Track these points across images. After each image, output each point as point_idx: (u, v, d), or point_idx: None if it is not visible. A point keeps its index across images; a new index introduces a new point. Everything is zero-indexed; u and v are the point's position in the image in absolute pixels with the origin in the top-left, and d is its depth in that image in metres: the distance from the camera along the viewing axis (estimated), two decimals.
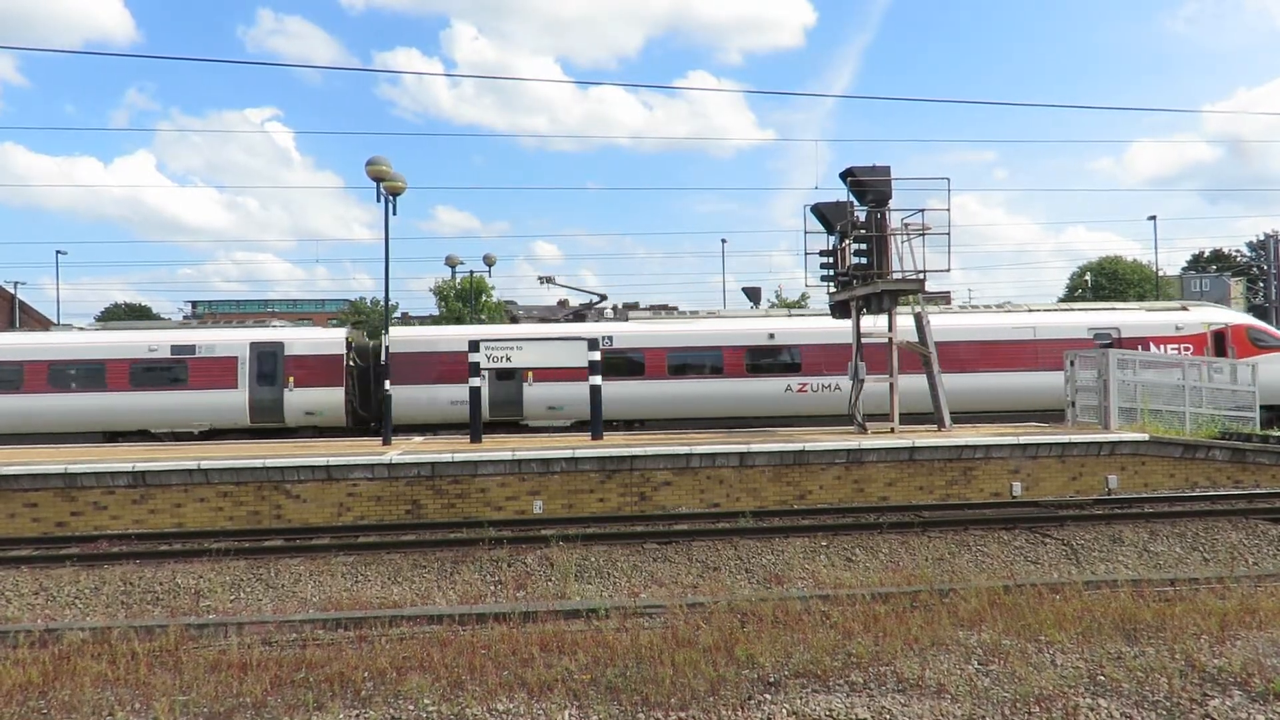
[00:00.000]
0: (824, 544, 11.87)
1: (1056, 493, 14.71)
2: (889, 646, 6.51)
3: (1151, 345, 20.28)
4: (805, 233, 18.46)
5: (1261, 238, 42.69)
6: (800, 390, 20.16)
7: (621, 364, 20.62)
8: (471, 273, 44.04)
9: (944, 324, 20.99)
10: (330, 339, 21.85)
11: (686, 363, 20.81)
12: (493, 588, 10.57)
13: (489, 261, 40.87)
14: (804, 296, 48.75)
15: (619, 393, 20.38)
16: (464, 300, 46.61)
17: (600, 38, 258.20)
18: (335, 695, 5.88)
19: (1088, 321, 21.02)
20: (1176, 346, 20.11)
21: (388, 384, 17.47)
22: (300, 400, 21.00)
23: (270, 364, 21.07)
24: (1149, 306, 23.00)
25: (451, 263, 38.74)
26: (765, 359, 20.61)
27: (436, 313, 51.37)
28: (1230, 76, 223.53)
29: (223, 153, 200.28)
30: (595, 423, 17.00)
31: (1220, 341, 20.40)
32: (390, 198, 17.41)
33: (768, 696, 5.57)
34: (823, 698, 5.51)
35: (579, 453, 13.98)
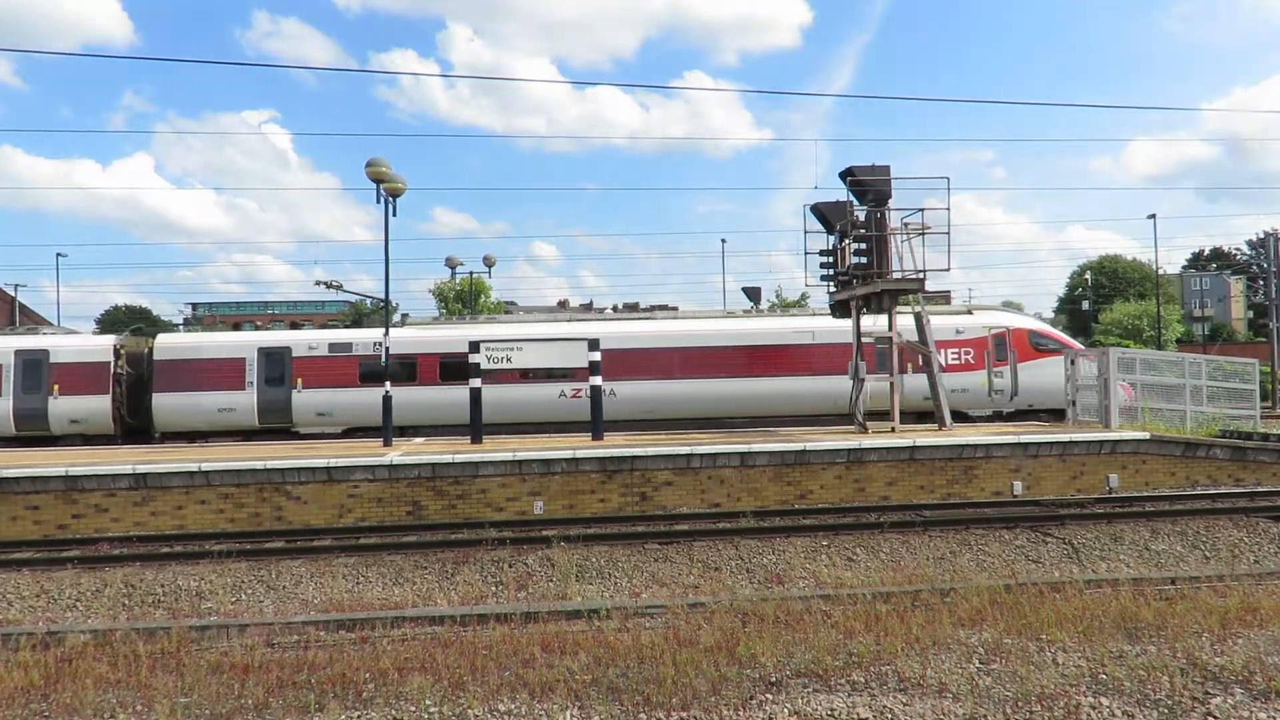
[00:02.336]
0: (825, 544, 11.87)
1: (1058, 492, 14.71)
2: (890, 646, 6.51)
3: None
4: (805, 232, 18.48)
5: (1261, 236, 42.67)
6: (575, 396, 20.04)
7: (395, 369, 20.15)
8: (471, 274, 44.05)
9: (723, 328, 20.82)
10: (97, 346, 21.60)
11: (461, 368, 20.28)
12: (494, 588, 10.57)
13: (489, 262, 40.89)
14: (804, 296, 48.77)
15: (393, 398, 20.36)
16: (464, 301, 46.61)
17: (596, 39, 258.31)
18: (337, 696, 5.88)
19: (868, 326, 20.92)
20: (957, 350, 20.12)
21: (388, 385, 17.47)
22: (65, 408, 20.80)
23: (35, 372, 20.85)
24: (935, 310, 22.86)
25: (452, 264, 38.76)
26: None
27: (437, 314, 51.36)
28: (1227, 75, 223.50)
29: (221, 154, 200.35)
30: (596, 423, 17.00)
31: (1001, 345, 20.35)
32: (390, 199, 17.41)
33: (769, 696, 5.57)
34: (824, 697, 5.51)
35: (580, 453, 13.99)
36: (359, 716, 5.49)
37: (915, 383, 20.09)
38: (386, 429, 17.05)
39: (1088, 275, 73.18)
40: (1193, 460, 15.33)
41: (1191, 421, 17.45)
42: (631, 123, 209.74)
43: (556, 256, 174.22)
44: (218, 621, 8.70)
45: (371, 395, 20.09)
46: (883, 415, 20.05)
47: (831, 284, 18.72)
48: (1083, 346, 21.82)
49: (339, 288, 26.11)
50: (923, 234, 17.41)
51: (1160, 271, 60.31)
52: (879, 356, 20.47)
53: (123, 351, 21.62)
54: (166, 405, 20.49)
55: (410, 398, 20.31)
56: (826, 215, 18.29)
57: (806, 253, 18.51)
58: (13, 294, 47.42)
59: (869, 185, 17.45)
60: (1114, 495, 14.59)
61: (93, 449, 18.73)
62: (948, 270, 18.08)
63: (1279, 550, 11.88)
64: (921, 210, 17.59)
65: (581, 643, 6.92)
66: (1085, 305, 68.17)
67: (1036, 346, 20.26)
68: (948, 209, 17.30)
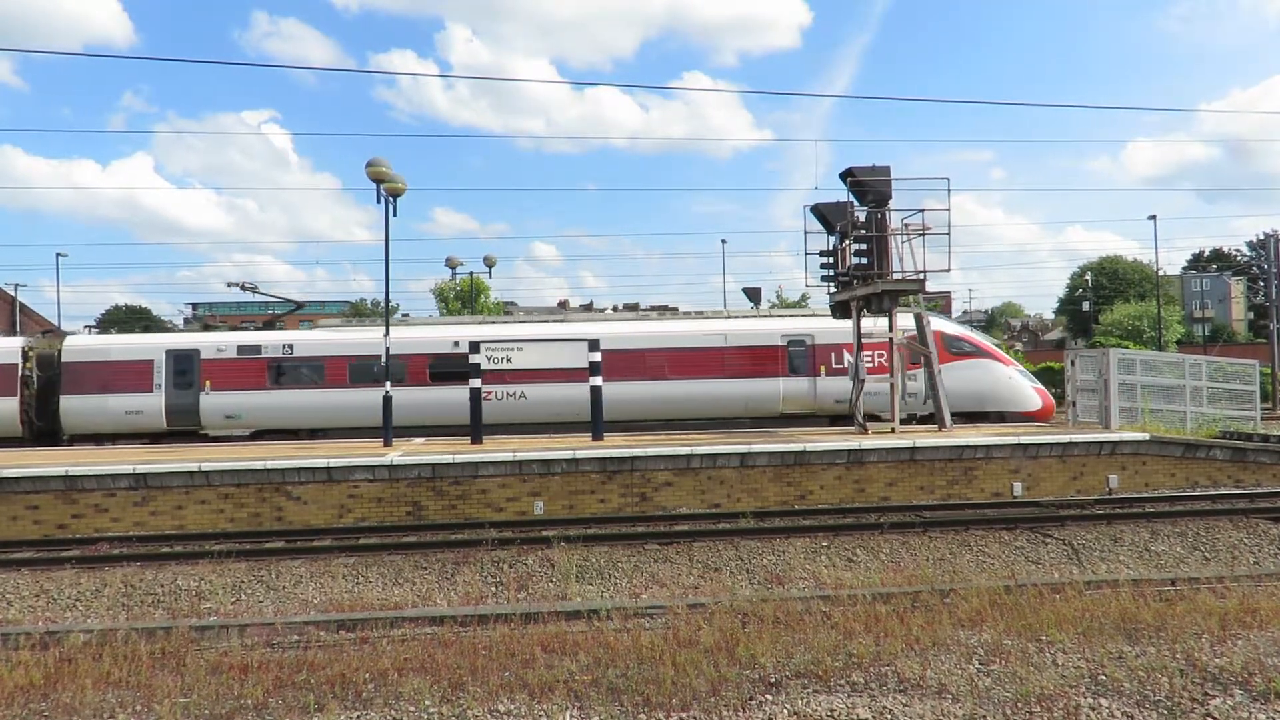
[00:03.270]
0: (825, 544, 11.87)
1: (1057, 492, 14.71)
2: (890, 646, 6.51)
3: (846, 352, 20.00)
4: (805, 233, 18.48)
5: (1261, 237, 42.67)
6: (485, 398, 19.97)
7: (303, 371, 20.36)
8: (471, 274, 44.06)
9: (632, 331, 20.69)
10: (5, 348, 21.37)
11: (371, 370, 20.29)
12: (494, 589, 10.57)
13: (489, 263, 40.87)
14: (804, 296, 48.80)
15: (299, 401, 20.27)
16: (464, 301, 46.62)
17: (595, 40, 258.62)
18: (336, 696, 5.88)
19: (782, 328, 20.69)
20: (871, 353, 19.90)
21: (388, 385, 17.47)
22: None
23: None
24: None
25: (452, 264, 38.76)
26: (449, 367, 20.14)
27: (437, 314, 51.37)
28: (1225, 76, 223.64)
29: (220, 155, 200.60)
30: (596, 423, 16.99)
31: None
32: (390, 199, 17.41)
33: (769, 697, 5.57)
34: (824, 698, 5.51)
35: (580, 453, 13.99)
36: (359, 717, 5.49)
37: (838, 385, 20.02)
38: (386, 429, 17.04)
39: (1088, 276, 73.20)
40: (1192, 461, 15.33)
41: (1191, 422, 17.45)
42: (631, 123, 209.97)
43: (556, 257, 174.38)
44: (218, 621, 8.70)
45: (280, 398, 20.17)
46: (805, 419, 20.15)
47: (832, 284, 18.72)
48: (997, 348, 21.50)
49: (254, 289, 25.91)
50: (923, 235, 17.40)
51: (1160, 272, 60.32)
52: (791, 359, 20.38)
53: (32, 354, 21.44)
54: (73, 408, 20.26)
55: (318, 401, 20.29)
56: (827, 216, 18.29)
57: (807, 253, 18.51)
58: (13, 294, 47.43)
59: (869, 186, 17.45)
60: (1114, 496, 14.59)
61: (93, 449, 18.73)
62: (948, 271, 18.09)
63: (1278, 551, 11.88)
64: (922, 211, 17.59)
65: (581, 643, 6.92)
66: (1085, 306, 68.19)
67: (952, 350, 20.14)
68: (948, 210, 17.31)
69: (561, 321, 22.49)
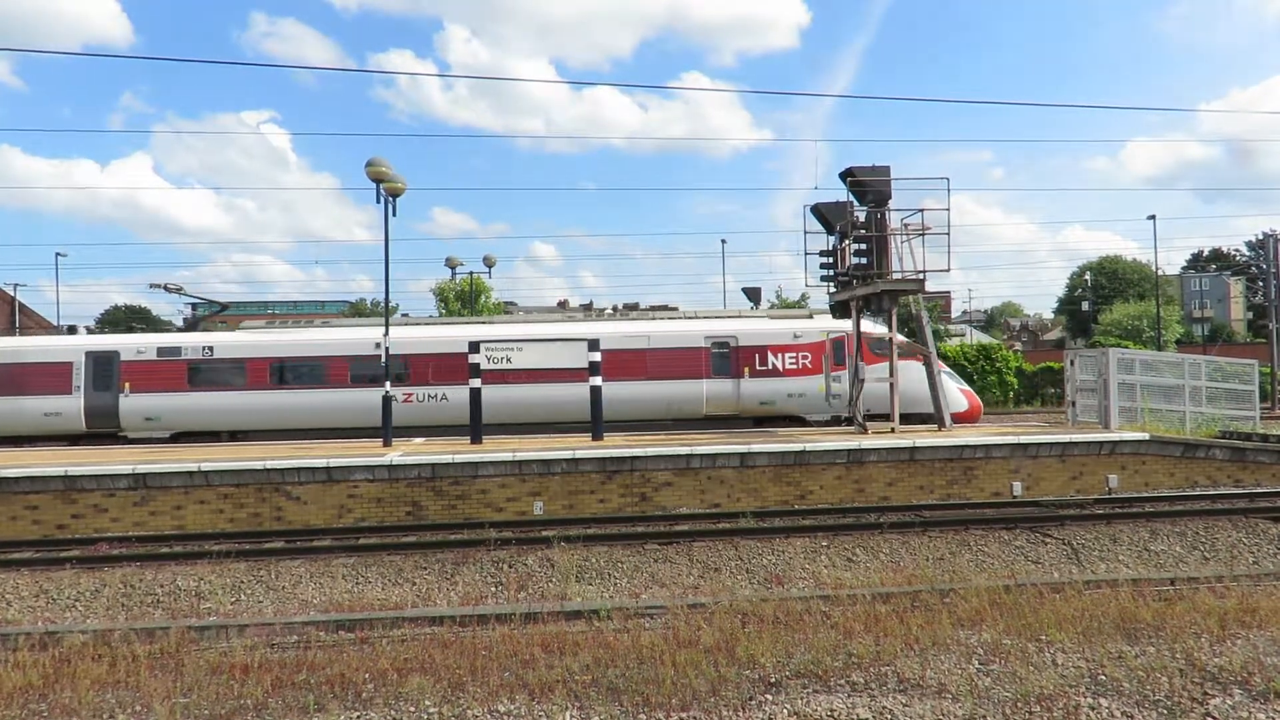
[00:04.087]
0: (825, 544, 11.86)
1: (1057, 492, 14.71)
2: (890, 646, 6.51)
3: (769, 354, 20.01)
4: (805, 233, 18.48)
5: (1260, 237, 42.66)
6: (406, 400, 19.85)
7: (223, 373, 20.23)
8: (471, 274, 44.07)
9: (556, 333, 20.41)
10: None
11: (292, 372, 20.26)
12: (494, 589, 10.57)
13: (489, 263, 40.90)
14: (804, 296, 48.81)
15: (219, 403, 20.16)
16: (464, 301, 46.61)
17: (593, 40, 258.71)
18: (336, 697, 5.87)
19: (705, 330, 20.54)
20: (794, 355, 19.92)
21: (388, 385, 17.47)
22: None
23: None
24: (773, 314, 22.73)
25: (452, 264, 38.77)
26: (372, 369, 20.04)
27: (436, 314, 51.37)
28: (1224, 76, 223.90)
29: (219, 155, 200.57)
30: (596, 423, 16.99)
31: (839, 349, 20.16)
32: (390, 199, 17.40)
33: (769, 697, 5.57)
34: (824, 698, 5.51)
35: (579, 453, 13.98)
36: (359, 717, 5.48)
37: (762, 387, 19.98)
38: (386, 429, 17.04)
39: (1087, 276, 73.22)
40: (1192, 461, 15.33)
41: (1191, 422, 17.45)
42: (630, 123, 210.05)
43: (556, 257, 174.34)
44: (217, 622, 8.69)
45: (200, 400, 20.07)
46: (728, 421, 20.02)
47: (832, 284, 18.72)
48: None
49: (179, 291, 25.81)
50: (923, 234, 17.40)
51: (1160, 272, 60.33)
52: (715, 361, 20.19)
53: None
54: None
55: (239, 403, 20.20)
56: (826, 216, 18.29)
57: (806, 253, 18.51)
58: (12, 294, 47.40)
59: (869, 186, 17.44)
60: (1113, 496, 14.59)
61: (93, 449, 18.71)
62: (948, 271, 18.09)
63: (1278, 551, 11.88)
64: (921, 211, 17.59)
65: (581, 643, 6.91)
66: (1085, 306, 68.21)
67: (876, 351, 20.11)
68: (947, 210, 17.30)
69: (486, 324, 22.42)
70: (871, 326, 21.15)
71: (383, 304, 21.01)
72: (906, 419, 20.09)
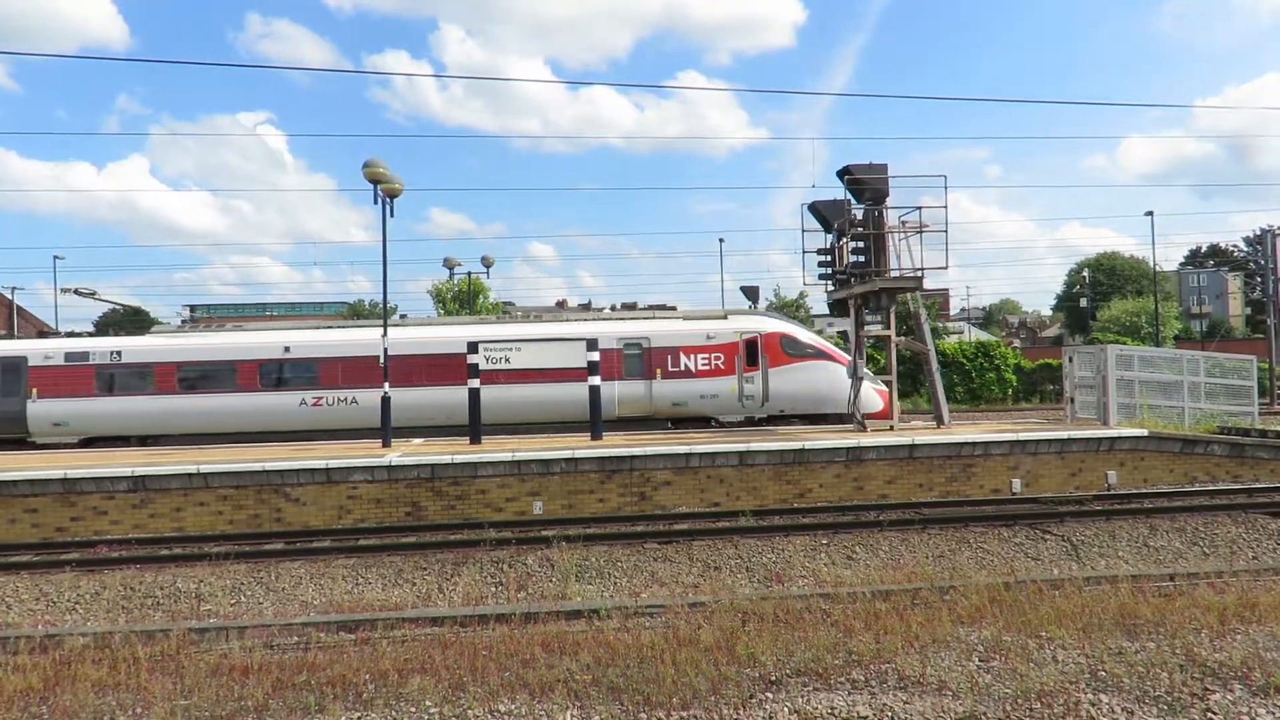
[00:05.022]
0: (824, 542, 11.87)
1: (1056, 489, 14.72)
2: (890, 644, 6.51)
3: (682, 355, 19.97)
4: (803, 231, 18.49)
5: (1258, 233, 42.70)
6: (315, 404, 19.83)
7: (132, 378, 20.10)
8: (470, 274, 44.06)
9: (467, 335, 20.14)
10: None
11: (200, 376, 20.13)
12: (494, 589, 10.57)
13: (487, 263, 40.83)
14: (802, 295, 48.79)
15: (129, 408, 20.04)
16: (462, 302, 46.61)
17: (589, 40, 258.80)
18: (337, 698, 5.87)
19: (618, 331, 20.47)
20: (708, 355, 19.87)
21: (386, 386, 17.46)
22: None
23: None
24: (687, 315, 22.64)
25: (450, 264, 38.71)
26: (280, 372, 20.11)
27: (435, 314, 51.38)
28: (1220, 73, 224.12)
29: (216, 156, 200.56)
30: (595, 423, 17.00)
31: (753, 350, 20.09)
32: (388, 199, 17.39)
33: (769, 695, 5.57)
34: (824, 696, 5.51)
35: (579, 453, 13.98)
36: (359, 717, 5.48)
37: (674, 388, 19.95)
38: (385, 430, 17.02)
39: (1086, 273, 73.27)
40: (1191, 457, 15.35)
41: (1189, 418, 17.47)
42: (627, 123, 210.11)
43: (554, 256, 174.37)
44: (217, 624, 8.69)
45: (109, 405, 19.95)
46: (641, 422, 19.94)
47: (830, 283, 18.72)
48: (837, 350, 21.27)
49: (92, 295, 25.79)
50: (920, 232, 17.40)
51: (1158, 268, 60.37)
52: (627, 362, 20.14)
53: None
54: None
55: (148, 407, 20.10)
56: (824, 214, 18.29)
57: (804, 251, 18.52)
58: (10, 297, 47.36)
59: (866, 184, 17.44)
60: (1112, 492, 14.60)
61: (91, 451, 18.70)
62: (945, 268, 18.10)
63: (1277, 546, 11.89)
64: (919, 209, 17.59)
65: (581, 643, 6.91)
66: (1083, 302, 68.28)
67: (789, 352, 20.02)
68: (945, 207, 17.31)
69: (400, 326, 22.38)
70: (787, 326, 21.09)
71: (381, 304, 20.95)
72: (821, 419, 20.13)
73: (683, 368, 19.90)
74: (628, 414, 19.99)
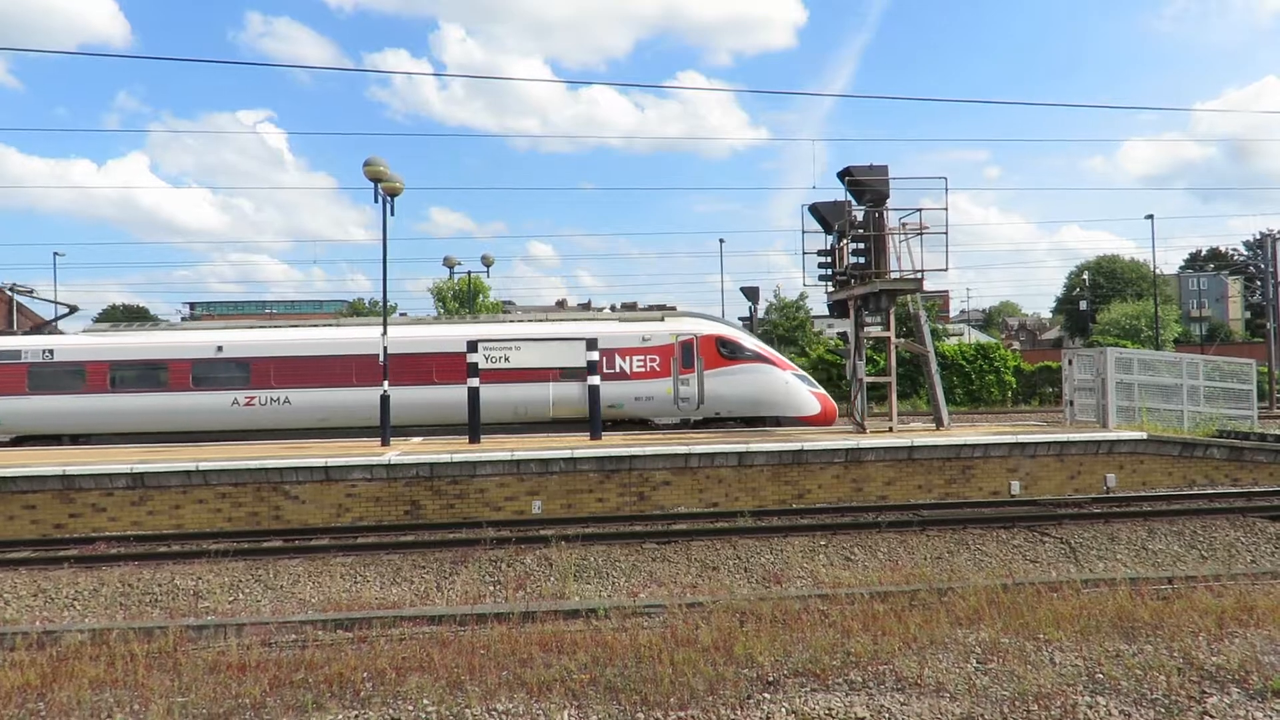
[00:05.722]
0: (823, 543, 11.87)
1: (1055, 491, 14.73)
2: (888, 645, 6.51)
3: (617, 357, 19.82)
4: (803, 232, 18.48)
5: (1258, 236, 42.67)
6: (248, 404, 19.75)
7: (64, 377, 20.00)
8: (470, 273, 44.06)
9: (401, 335, 20.22)
10: None
11: (133, 376, 20.03)
12: (492, 588, 10.57)
13: (487, 262, 40.83)
14: (802, 295, 48.81)
15: (60, 406, 19.92)
16: (462, 301, 46.61)
17: (588, 40, 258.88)
18: (334, 696, 5.87)
19: (552, 333, 20.37)
20: (643, 357, 19.78)
21: (385, 384, 17.46)
22: None
23: None
24: (623, 318, 22.57)
25: (450, 263, 38.71)
26: (213, 372, 20.01)
27: (435, 313, 51.39)
28: (1219, 76, 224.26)
29: (216, 154, 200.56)
30: (594, 423, 17.00)
31: (688, 352, 20.01)
32: (388, 198, 17.38)
33: (767, 695, 5.57)
34: (822, 696, 5.51)
35: (577, 453, 13.98)
36: (357, 716, 5.48)
37: (609, 390, 19.69)
38: (385, 429, 17.02)
39: (1085, 275, 73.31)
40: (1190, 460, 15.35)
41: (1189, 421, 17.47)
42: (626, 123, 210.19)
43: (553, 256, 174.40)
44: (215, 621, 8.68)
45: (40, 404, 19.86)
46: (577, 424, 19.59)
47: (830, 284, 18.73)
48: (775, 353, 21.11)
49: (30, 293, 25.68)
50: (920, 234, 17.41)
51: (1157, 271, 60.38)
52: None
53: None
54: None
55: (79, 406, 19.99)
56: (824, 215, 18.29)
57: (804, 253, 18.51)
58: (9, 294, 47.29)
59: (867, 185, 17.45)
60: (1111, 495, 14.60)
61: (90, 449, 18.69)
62: (945, 270, 18.11)
63: (1275, 550, 11.90)
64: (919, 210, 17.60)
65: (580, 642, 6.91)
66: (1083, 305, 68.30)
67: (725, 354, 19.89)
68: (945, 209, 17.32)
69: (330, 326, 22.30)
70: (724, 329, 21.03)
71: (381, 303, 20.93)
72: (759, 422, 20.10)
73: (618, 369, 19.72)
74: (562, 415, 19.79)
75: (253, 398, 19.74)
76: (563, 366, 19.33)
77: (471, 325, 21.41)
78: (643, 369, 19.88)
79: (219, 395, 19.71)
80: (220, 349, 20.06)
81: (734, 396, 19.89)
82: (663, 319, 21.71)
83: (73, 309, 27.07)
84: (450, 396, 19.06)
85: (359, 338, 20.34)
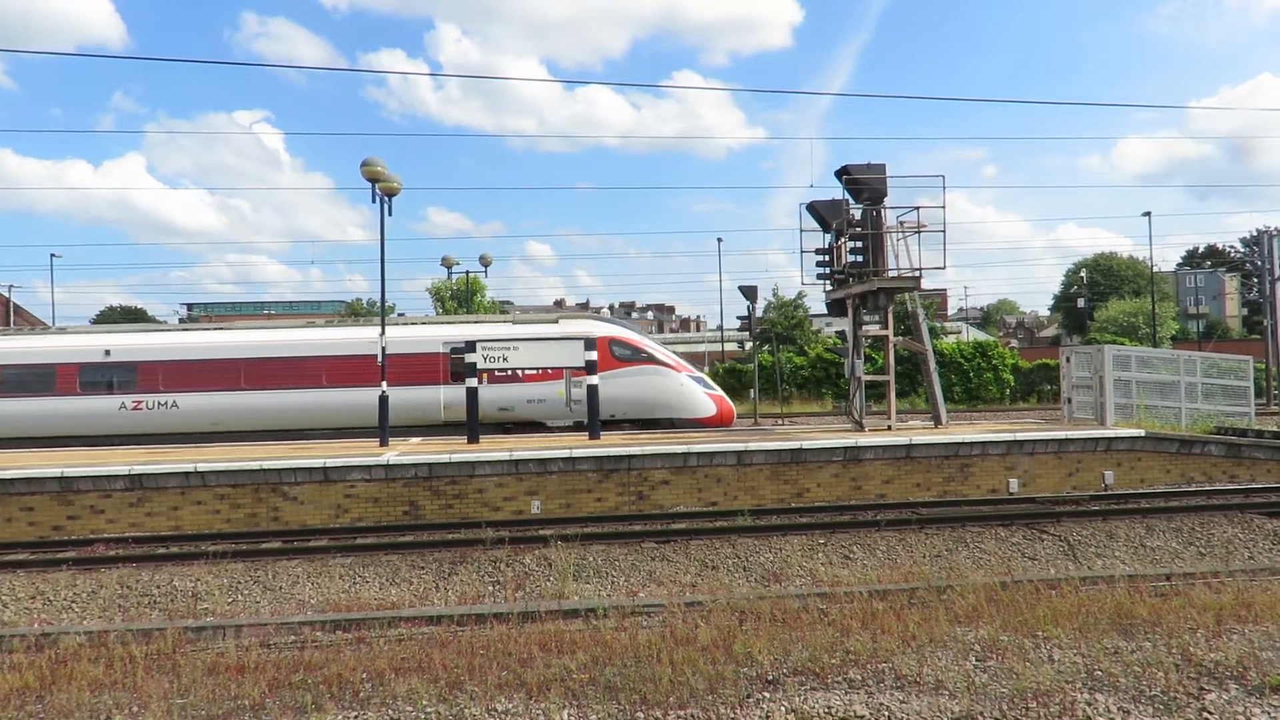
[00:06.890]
0: (822, 542, 11.87)
1: (1053, 489, 14.74)
2: (887, 643, 6.52)
3: None
4: (801, 231, 18.49)
5: (1254, 233, 42.72)
6: (135, 408, 19.75)
7: None
8: (468, 273, 44.04)
9: (292, 338, 20.40)
10: None
11: (19, 380, 19.97)
12: (491, 588, 10.56)
13: (485, 262, 40.78)
14: (801, 294, 48.80)
15: None
16: (460, 301, 46.59)
17: (585, 39, 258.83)
18: (333, 697, 5.86)
19: (444, 335, 20.35)
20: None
21: (384, 384, 17.45)
22: None
23: None
24: (517, 319, 22.57)
25: (448, 263, 38.67)
26: (98, 376, 19.98)
27: (433, 313, 51.38)
28: (1214, 74, 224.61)
29: (212, 155, 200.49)
30: (593, 422, 17.00)
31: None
32: (385, 198, 17.37)
33: (766, 694, 5.57)
34: (821, 695, 5.51)
35: (576, 452, 13.98)
36: (356, 717, 5.48)
37: (501, 392, 19.92)
38: (383, 429, 17.02)
39: (1083, 273, 73.38)
40: (1188, 457, 15.37)
41: (1187, 418, 17.49)
42: (623, 122, 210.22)
43: (551, 256, 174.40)
44: (214, 622, 8.68)
45: None
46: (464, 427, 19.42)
47: (828, 282, 18.73)
48: (673, 356, 21.05)
49: None
50: (918, 232, 17.42)
51: (1155, 269, 60.45)
52: (453, 367, 19.80)
53: None
54: None
55: None
56: (822, 214, 18.29)
57: (802, 251, 18.52)
58: (7, 295, 47.27)
59: (865, 184, 17.45)
60: (1109, 492, 14.62)
61: (90, 450, 18.67)
62: (943, 268, 18.13)
63: (1273, 546, 11.91)
64: (917, 209, 17.61)
65: (579, 642, 6.91)
66: (1081, 303, 68.37)
67: (618, 356, 19.88)
68: (943, 207, 17.33)
69: (219, 329, 22.26)
70: (619, 330, 20.96)
71: (379, 303, 20.89)
72: (654, 424, 20.09)
73: (510, 372, 19.58)
74: (454, 419, 19.62)
75: (140, 402, 19.74)
76: (456, 370, 19.39)
77: (367, 329, 21.21)
78: (535, 372, 19.74)
79: (106, 400, 19.67)
80: (108, 353, 20.07)
81: (627, 399, 19.89)
82: (557, 320, 21.81)
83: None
84: (341, 400, 19.48)
85: (247, 340, 20.35)
